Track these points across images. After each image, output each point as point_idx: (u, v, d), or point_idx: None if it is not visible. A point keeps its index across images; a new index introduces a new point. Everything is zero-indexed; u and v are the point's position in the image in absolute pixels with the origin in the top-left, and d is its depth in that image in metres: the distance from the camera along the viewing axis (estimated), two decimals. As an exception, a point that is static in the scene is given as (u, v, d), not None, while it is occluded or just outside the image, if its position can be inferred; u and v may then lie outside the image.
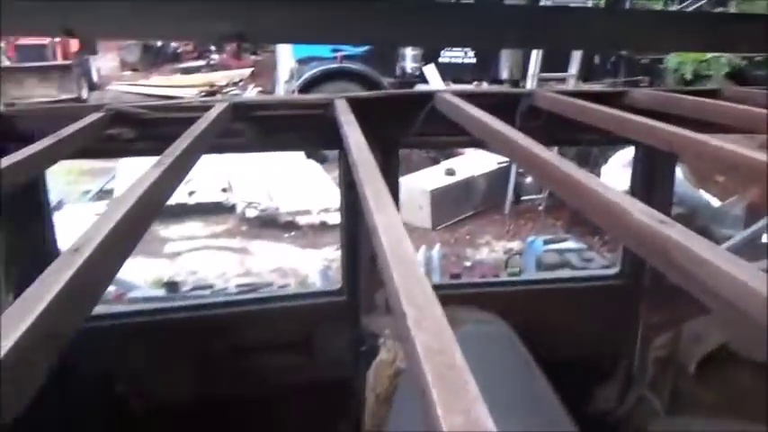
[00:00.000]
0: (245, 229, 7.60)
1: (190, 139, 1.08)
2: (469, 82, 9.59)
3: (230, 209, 8.01)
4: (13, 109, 1.53)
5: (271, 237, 7.45)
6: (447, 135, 1.73)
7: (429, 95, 1.68)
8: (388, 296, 0.55)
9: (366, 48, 9.47)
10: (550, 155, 0.93)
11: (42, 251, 1.67)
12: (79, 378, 1.82)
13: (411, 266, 0.55)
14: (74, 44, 14.07)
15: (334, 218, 7.98)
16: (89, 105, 1.65)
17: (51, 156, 1.08)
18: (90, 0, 4.04)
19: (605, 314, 2.18)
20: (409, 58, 9.60)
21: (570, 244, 5.83)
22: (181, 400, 1.91)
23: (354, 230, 1.89)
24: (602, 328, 2.19)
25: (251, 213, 7.61)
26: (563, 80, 7.88)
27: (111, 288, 4.64)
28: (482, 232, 7.68)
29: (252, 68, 16.80)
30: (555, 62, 7.72)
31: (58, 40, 13.56)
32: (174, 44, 19.26)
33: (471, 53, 9.79)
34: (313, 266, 6.66)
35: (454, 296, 2.11)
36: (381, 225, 0.64)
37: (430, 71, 8.88)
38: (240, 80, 15.45)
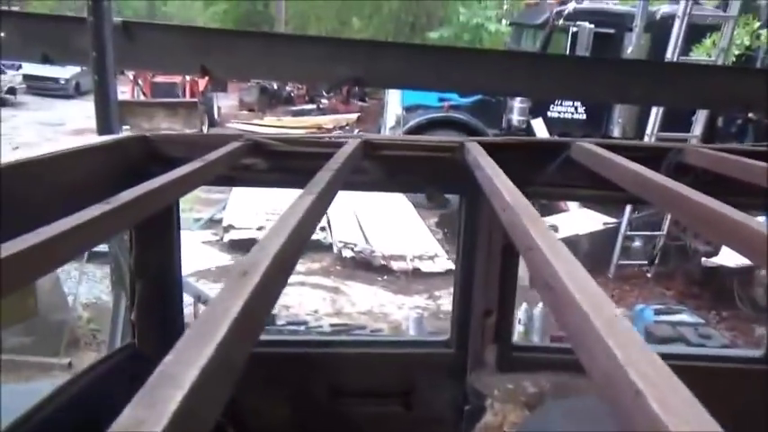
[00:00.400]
0: (340, 268, 7.68)
1: (330, 173, 1.06)
2: (578, 138, 9.30)
3: (327, 247, 8.15)
4: (158, 134, 1.61)
5: (364, 279, 7.47)
6: (580, 186, 1.61)
7: (565, 144, 1.59)
8: (589, 355, 0.46)
9: (473, 98, 9.52)
10: (733, 211, 0.81)
11: (167, 269, 1.72)
12: None
13: (623, 328, 0.46)
14: (201, 84, 15.30)
15: (427, 266, 7.89)
16: (228, 134, 1.71)
17: (197, 179, 1.10)
18: (225, 44, 4.34)
19: (746, 400, 1.91)
20: (516, 110, 9.51)
21: (685, 317, 5.36)
22: None
23: (470, 280, 1.79)
24: (742, 415, 1.91)
25: (347, 254, 7.69)
26: (683, 141, 7.42)
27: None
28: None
29: (359, 114, 17.40)
30: (676, 121, 7.27)
31: (188, 79, 14.83)
32: (288, 88, 20.45)
33: (581, 108, 9.55)
34: (403, 313, 6.56)
35: (566, 362, 1.94)
36: (565, 273, 0.56)
37: (538, 125, 8.73)
38: (347, 124, 16.01)
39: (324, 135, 2.05)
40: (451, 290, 6.88)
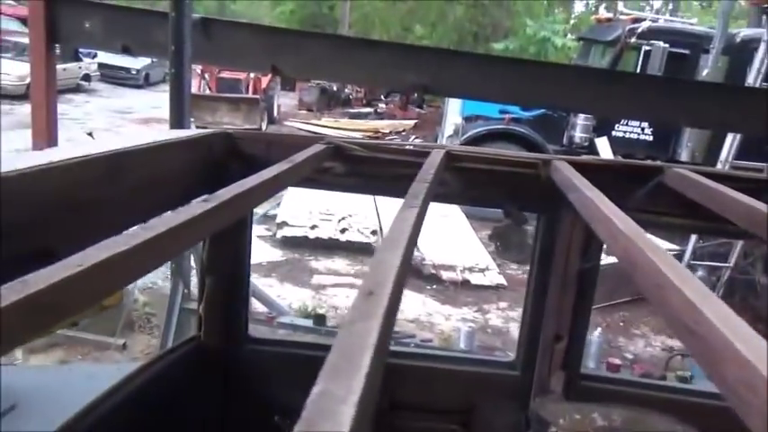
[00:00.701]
0: (389, 274, 7.64)
1: (426, 185, 1.03)
2: (642, 160, 9.00)
3: (377, 251, 8.14)
4: (240, 132, 1.62)
5: (412, 286, 7.41)
6: (672, 215, 1.52)
7: (657, 168, 1.50)
8: (760, 417, 0.40)
9: (536, 112, 9.34)
10: None
11: (237, 266, 1.72)
12: (240, 402, 1.83)
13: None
14: (264, 81, 15.64)
15: (477, 278, 7.77)
16: (309, 136, 1.71)
17: (286, 181, 1.08)
18: (295, 44, 4.40)
19: None
20: (579, 127, 9.28)
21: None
22: None
23: (541, 302, 1.73)
24: None
25: (397, 259, 7.66)
26: (759, 171, 7.03)
27: (264, 310, 4.85)
28: (638, 322, 6.99)
29: (416, 120, 17.39)
30: (753, 150, 6.84)
31: (252, 76, 15.19)
32: (347, 90, 20.68)
33: (648, 129, 9.23)
34: (451, 324, 6.48)
35: (639, 396, 1.83)
36: (716, 318, 0.50)
37: (602, 144, 8.47)
38: (403, 130, 16.03)
39: (404, 143, 2.02)
40: (500, 305, 6.77)
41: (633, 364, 5.09)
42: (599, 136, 8.88)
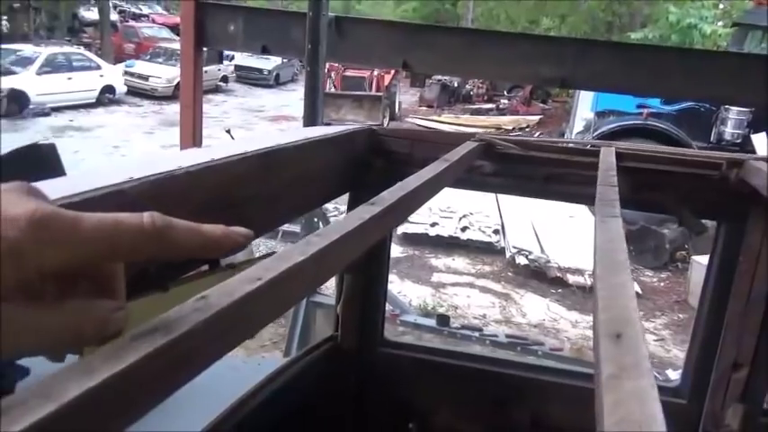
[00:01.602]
0: (512, 275, 7.40)
1: (612, 189, 0.89)
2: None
3: (499, 251, 7.91)
4: (384, 128, 1.57)
5: (536, 289, 7.11)
6: None
7: None
8: None
9: (679, 106, 8.55)
10: None
11: (376, 266, 1.68)
12: (374, 405, 1.78)
13: None
14: (386, 79, 15.86)
15: (607, 284, 7.26)
16: (455, 133, 1.61)
17: (444, 181, 1.00)
18: (426, 39, 4.33)
19: None
20: (731, 122, 8.35)
21: None
22: None
23: (718, 324, 1.49)
24: None
25: (520, 260, 7.39)
26: None
27: (388, 307, 4.86)
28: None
29: (540, 116, 16.75)
30: None
31: (376, 74, 15.46)
32: (468, 86, 20.40)
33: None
34: (577, 332, 6.11)
35: None
36: None
37: (760, 141, 7.55)
38: (527, 126, 15.50)
39: (561, 140, 1.87)
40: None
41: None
42: (755, 132, 7.93)
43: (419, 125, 16.05)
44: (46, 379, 0.28)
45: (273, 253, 0.56)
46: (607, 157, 1.20)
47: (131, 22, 25.93)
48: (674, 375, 3.83)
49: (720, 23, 14.41)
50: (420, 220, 8.20)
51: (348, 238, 0.63)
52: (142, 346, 0.33)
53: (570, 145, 1.44)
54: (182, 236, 0.37)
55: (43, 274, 0.32)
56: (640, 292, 7.10)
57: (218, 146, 1.12)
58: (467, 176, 1.37)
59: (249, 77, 21.85)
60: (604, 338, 0.39)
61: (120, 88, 16.67)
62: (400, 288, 6.68)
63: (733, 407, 1.55)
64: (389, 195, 0.79)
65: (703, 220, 1.47)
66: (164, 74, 17.43)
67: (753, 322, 1.46)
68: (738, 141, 8.31)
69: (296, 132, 1.31)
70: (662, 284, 7.65)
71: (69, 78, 15.26)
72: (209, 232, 0.39)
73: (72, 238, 0.32)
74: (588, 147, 1.39)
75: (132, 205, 0.70)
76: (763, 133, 7.73)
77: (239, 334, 0.44)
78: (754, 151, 7.60)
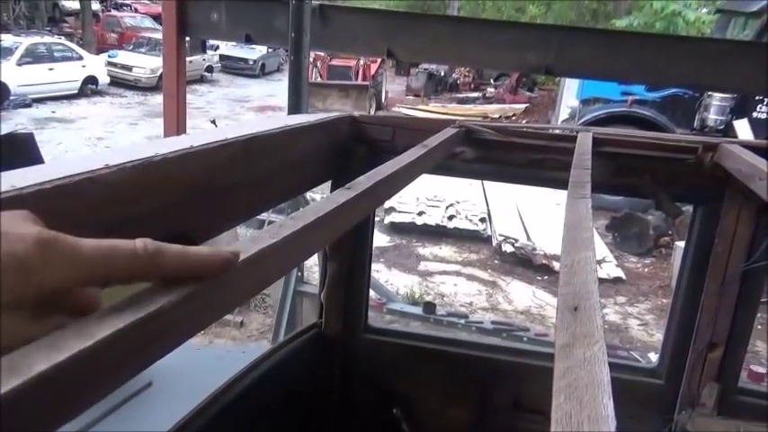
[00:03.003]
0: (498, 263, 7.45)
1: (586, 171, 0.91)
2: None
3: (486, 240, 7.96)
4: (366, 116, 1.57)
5: (522, 276, 7.17)
6: None
7: None
8: None
9: (663, 93, 8.62)
10: None
11: (359, 254, 1.69)
12: (357, 391, 1.80)
13: None
14: (372, 68, 15.80)
15: (593, 270, 7.35)
16: (436, 120, 1.62)
17: (422, 168, 1.01)
18: (411, 27, 4.32)
19: None
20: (714, 108, 8.43)
21: None
22: None
23: (694, 306, 1.53)
24: None
25: (507, 248, 7.43)
26: None
27: (374, 295, 4.87)
28: (780, 326, 6.27)
29: (526, 105, 16.78)
30: None
31: (361, 63, 15.39)
32: (454, 75, 20.37)
33: (799, 110, 8.21)
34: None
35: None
36: None
37: (742, 127, 7.64)
38: (513, 114, 15.52)
39: (541, 126, 1.88)
40: (618, 299, 6.37)
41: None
42: (737, 118, 8.02)
43: (405, 114, 16.03)
44: (13, 353, 0.29)
45: None
46: (584, 141, 1.21)
47: (113, 12, 25.52)
48: (657, 359, 3.90)
49: (704, 10, 14.51)
50: (407, 210, 8.22)
51: (323, 222, 0.64)
52: (113, 322, 0.34)
53: (549, 131, 1.45)
54: (171, 261, 0.39)
55: (42, 291, 0.34)
56: (624, 277, 7.19)
57: (198, 133, 1.12)
58: (447, 163, 1.38)
59: (234, 67, 21.63)
60: (562, 311, 0.41)
61: (103, 79, 16.43)
62: (387, 277, 6.70)
63: (709, 386, 1.58)
64: (366, 180, 0.80)
65: (679, 204, 1.49)
66: (147, 64, 17.19)
67: (728, 303, 1.50)
68: (721, 128, 8.40)
69: (278, 120, 1.31)
70: (646, 270, 7.74)
71: (51, 69, 15.02)
72: (196, 255, 0.40)
73: (73, 259, 0.35)
74: (566, 132, 1.41)
75: (104, 193, 0.70)
76: (745, 119, 7.82)
77: (210, 315, 0.45)
78: (736, 137, 7.69)
